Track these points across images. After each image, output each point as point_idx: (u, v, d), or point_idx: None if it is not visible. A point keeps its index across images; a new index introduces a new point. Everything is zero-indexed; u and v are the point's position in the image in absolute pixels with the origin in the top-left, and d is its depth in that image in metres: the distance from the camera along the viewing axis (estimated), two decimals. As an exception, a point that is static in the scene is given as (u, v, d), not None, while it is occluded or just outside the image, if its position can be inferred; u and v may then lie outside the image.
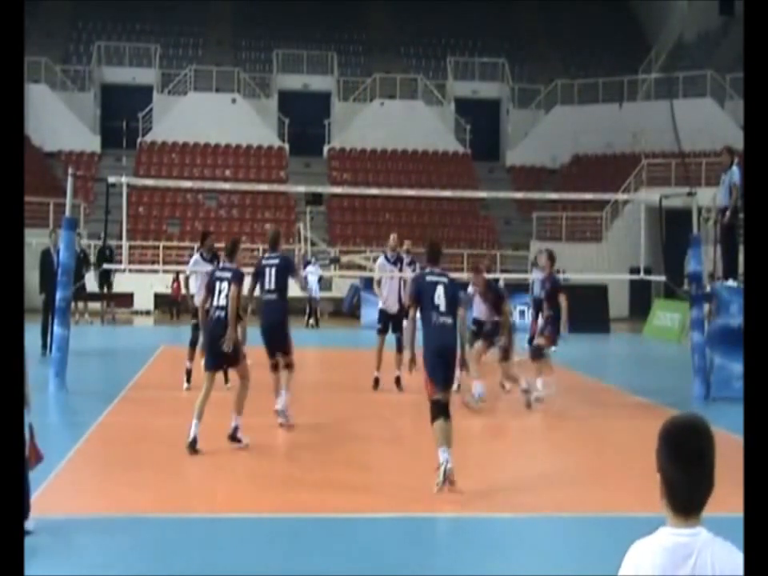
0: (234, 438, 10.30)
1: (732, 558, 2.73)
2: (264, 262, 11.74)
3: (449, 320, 8.82)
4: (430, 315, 8.81)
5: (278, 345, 11.48)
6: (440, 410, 8.63)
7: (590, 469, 10.06)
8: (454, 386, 11.83)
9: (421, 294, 8.97)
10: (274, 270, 11.50)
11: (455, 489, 8.45)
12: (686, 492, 2.77)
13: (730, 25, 38.31)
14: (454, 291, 9.03)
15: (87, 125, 37.58)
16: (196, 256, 14.66)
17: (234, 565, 6.60)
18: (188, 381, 14.19)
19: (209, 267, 13.51)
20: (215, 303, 10.41)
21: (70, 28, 41.60)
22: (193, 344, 14.16)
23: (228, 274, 10.50)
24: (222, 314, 10.34)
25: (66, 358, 13.89)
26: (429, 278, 9.05)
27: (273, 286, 11.49)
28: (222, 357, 10.42)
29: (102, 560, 6.73)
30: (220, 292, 10.40)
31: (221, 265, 11.05)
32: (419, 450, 10.43)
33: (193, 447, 9.99)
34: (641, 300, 31.12)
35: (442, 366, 8.74)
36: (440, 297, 8.83)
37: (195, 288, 14.33)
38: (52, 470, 8.80)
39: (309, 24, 41.49)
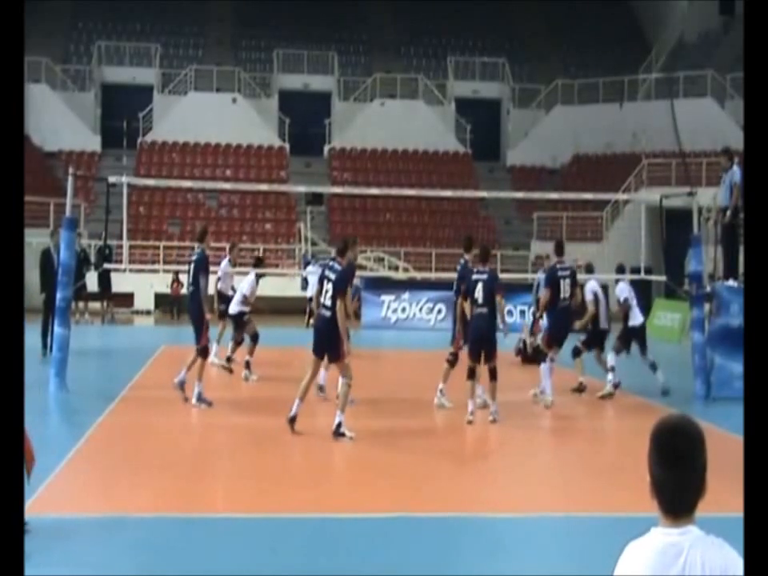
0: (337, 433, 10.59)
1: (723, 555, 2.71)
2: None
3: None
4: None
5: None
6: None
7: (590, 469, 10.06)
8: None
9: None
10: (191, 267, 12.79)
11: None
12: (672, 493, 2.75)
13: (730, 25, 38.29)
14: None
15: (87, 125, 37.55)
16: (252, 278, 15.89)
17: (235, 565, 6.60)
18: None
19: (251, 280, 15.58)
20: (322, 301, 11.03)
21: (69, 28, 41.54)
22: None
23: (333, 276, 10.96)
24: (328, 313, 10.87)
25: (67, 357, 13.88)
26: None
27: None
28: (325, 350, 11.02)
29: (102, 560, 6.73)
30: (327, 291, 10.95)
31: (330, 263, 11.36)
32: (418, 450, 10.42)
33: (292, 423, 10.71)
34: (641, 300, 31.04)
35: None
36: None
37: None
38: (52, 470, 8.81)
39: (309, 24, 41.43)
